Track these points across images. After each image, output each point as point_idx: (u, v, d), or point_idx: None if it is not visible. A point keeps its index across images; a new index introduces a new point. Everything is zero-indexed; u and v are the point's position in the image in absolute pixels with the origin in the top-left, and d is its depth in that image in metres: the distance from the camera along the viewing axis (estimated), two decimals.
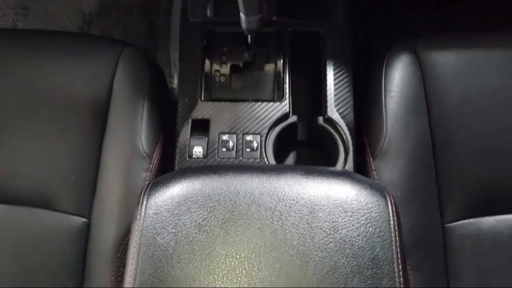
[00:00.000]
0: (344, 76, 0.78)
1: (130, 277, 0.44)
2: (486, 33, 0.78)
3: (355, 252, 0.44)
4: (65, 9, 1.31)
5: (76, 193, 0.70)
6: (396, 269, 0.44)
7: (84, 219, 0.69)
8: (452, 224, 0.68)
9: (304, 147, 0.80)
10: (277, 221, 0.45)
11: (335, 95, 0.76)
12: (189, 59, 0.80)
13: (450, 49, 0.74)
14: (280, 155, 0.77)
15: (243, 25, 0.69)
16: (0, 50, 0.76)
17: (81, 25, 1.29)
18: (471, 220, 0.68)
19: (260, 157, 0.73)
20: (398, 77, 0.72)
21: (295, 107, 0.77)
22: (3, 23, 1.30)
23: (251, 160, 0.72)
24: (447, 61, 0.72)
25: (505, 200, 0.69)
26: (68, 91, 0.73)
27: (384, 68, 0.73)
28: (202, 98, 0.77)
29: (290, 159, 0.80)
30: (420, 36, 0.76)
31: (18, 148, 0.71)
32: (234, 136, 0.74)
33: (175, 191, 0.48)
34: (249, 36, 0.76)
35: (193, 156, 0.73)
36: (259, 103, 0.76)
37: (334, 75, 0.78)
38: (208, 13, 0.83)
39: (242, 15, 0.67)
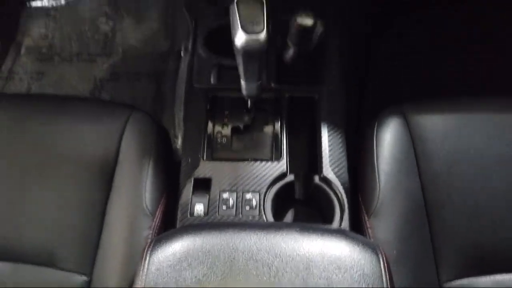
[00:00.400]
0: (338, 137, 0.82)
1: None
2: (470, 98, 0.84)
3: None
4: (78, 75, 1.40)
5: (79, 250, 0.71)
6: None
7: (85, 277, 0.70)
8: (449, 283, 0.69)
9: (302, 205, 0.83)
10: (274, 277, 0.47)
11: (329, 155, 0.80)
12: (193, 122, 0.85)
13: (436, 113, 0.79)
14: (278, 213, 0.80)
15: (244, 91, 0.75)
16: (16, 113, 0.81)
17: (92, 89, 1.37)
18: (468, 280, 0.69)
19: (259, 215, 0.75)
20: (388, 139, 0.76)
21: (292, 166, 0.80)
22: (19, 87, 1.39)
23: (250, 217, 0.75)
24: (434, 124, 0.77)
25: (500, 259, 0.70)
26: (77, 152, 0.77)
27: (375, 130, 0.78)
28: (205, 158, 0.81)
29: (288, 217, 0.82)
30: (407, 100, 0.81)
31: (25, 207, 0.74)
32: (234, 194, 0.77)
33: (177, 247, 0.50)
34: (249, 101, 0.82)
35: (195, 214, 0.75)
36: (258, 162, 0.80)
37: (328, 136, 0.82)
38: (212, 80, 0.90)
39: (242, 82, 0.73)
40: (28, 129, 0.79)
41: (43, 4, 1.51)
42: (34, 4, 1.51)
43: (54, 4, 1.51)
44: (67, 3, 1.51)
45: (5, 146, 0.78)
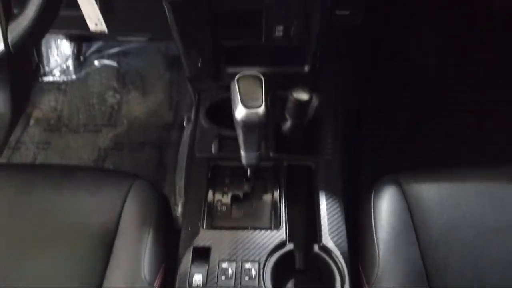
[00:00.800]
0: (336, 206, 0.83)
1: None
2: (464, 168, 0.86)
3: None
4: (83, 145, 1.44)
5: None
6: None
7: None
8: None
9: (302, 274, 0.81)
10: None
11: (328, 224, 0.81)
12: (194, 191, 0.87)
13: (431, 182, 0.81)
14: (278, 281, 0.78)
15: (243, 160, 0.78)
16: (19, 183, 0.83)
17: (96, 158, 1.41)
18: None
19: (258, 285, 0.74)
20: (385, 208, 0.77)
21: (292, 234, 0.81)
22: (25, 157, 1.42)
23: None
24: (430, 193, 0.79)
25: None
26: (78, 221, 0.78)
27: (372, 200, 0.79)
28: (204, 226, 0.82)
29: (289, 287, 0.81)
30: (402, 171, 0.84)
31: (23, 275, 0.73)
32: (234, 263, 0.76)
33: None
34: (248, 170, 0.84)
35: (193, 284, 0.74)
36: (257, 231, 0.80)
37: (326, 205, 0.83)
38: (213, 150, 0.93)
39: (242, 152, 0.76)
40: (30, 198, 0.81)
41: (55, 79, 1.61)
42: (46, 79, 1.61)
43: (65, 79, 1.60)
44: (77, 78, 1.61)
45: (7, 216, 0.79)
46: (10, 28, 0.61)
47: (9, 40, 0.61)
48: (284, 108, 0.84)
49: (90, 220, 0.78)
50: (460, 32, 1.36)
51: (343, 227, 0.81)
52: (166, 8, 0.76)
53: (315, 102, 0.85)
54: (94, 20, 0.84)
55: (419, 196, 0.78)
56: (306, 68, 0.93)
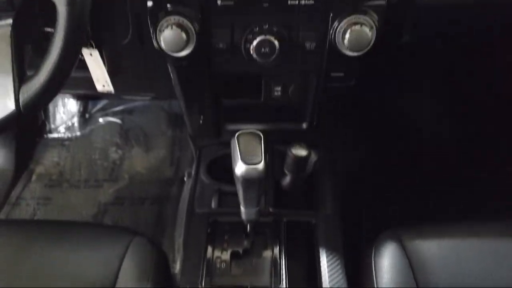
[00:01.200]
0: (336, 263, 0.82)
1: None
2: (463, 224, 0.86)
3: None
4: (84, 200, 1.44)
5: None
6: None
7: None
8: None
9: None
10: None
11: (329, 282, 0.79)
12: (193, 247, 0.86)
13: (431, 238, 0.80)
14: None
15: (243, 216, 0.78)
16: (17, 240, 0.82)
17: (95, 213, 1.40)
18: None
19: None
20: (386, 265, 0.76)
21: None
22: (24, 213, 1.42)
23: None
24: (431, 249, 0.78)
25: None
26: (78, 276, 0.76)
27: (373, 256, 0.78)
28: (203, 285, 0.80)
29: None
30: (402, 227, 0.83)
31: None
32: None
33: None
34: (248, 226, 0.84)
35: None
36: None
37: (327, 262, 0.82)
38: (213, 205, 0.94)
39: (242, 208, 0.77)
40: (28, 254, 0.80)
41: (59, 136, 1.64)
42: (51, 135, 1.64)
43: (70, 136, 1.64)
44: (82, 134, 1.64)
45: (5, 272, 0.78)
46: (22, 90, 0.64)
47: (20, 102, 0.64)
48: (283, 163, 0.86)
49: (89, 276, 0.76)
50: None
51: (345, 284, 0.79)
52: (170, 70, 0.81)
53: (313, 157, 0.88)
54: (102, 82, 0.89)
55: (420, 252, 0.77)
56: (304, 125, 0.96)
